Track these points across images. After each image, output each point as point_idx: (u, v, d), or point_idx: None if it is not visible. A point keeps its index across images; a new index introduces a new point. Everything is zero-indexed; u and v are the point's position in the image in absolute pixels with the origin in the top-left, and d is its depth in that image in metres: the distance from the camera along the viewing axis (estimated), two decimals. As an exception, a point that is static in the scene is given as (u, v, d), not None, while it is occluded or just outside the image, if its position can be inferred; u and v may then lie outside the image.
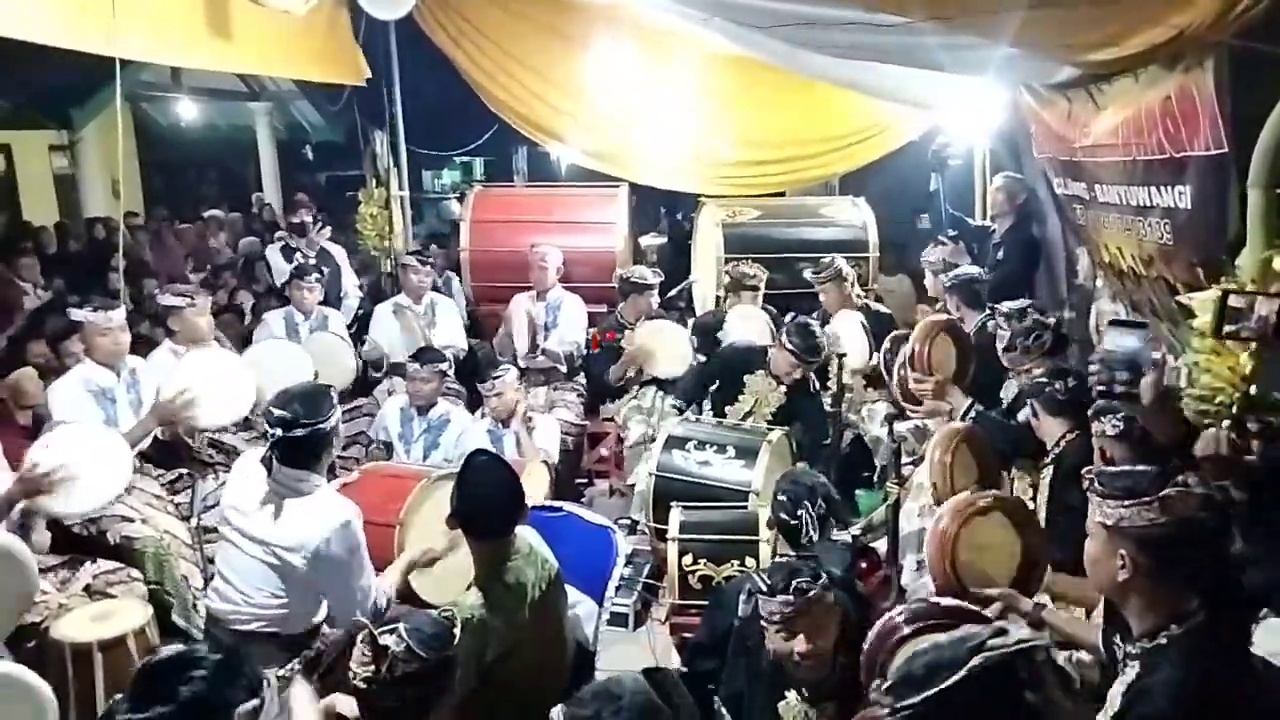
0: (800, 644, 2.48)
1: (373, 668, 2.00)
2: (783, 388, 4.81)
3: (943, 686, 1.47)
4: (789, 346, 4.68)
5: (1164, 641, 1.78)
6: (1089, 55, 3.47)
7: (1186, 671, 1.73)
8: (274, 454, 2.88)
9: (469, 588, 2.78)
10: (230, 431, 4.64)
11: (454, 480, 2.85)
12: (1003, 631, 1.55)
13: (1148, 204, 3.46)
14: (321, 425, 2.86)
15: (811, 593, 2.50)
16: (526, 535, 2.91)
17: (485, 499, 2.78)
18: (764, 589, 2.54)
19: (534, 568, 2.85)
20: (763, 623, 2.53)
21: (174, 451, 4.44)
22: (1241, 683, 1.74)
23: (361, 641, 2.05)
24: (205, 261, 9.50)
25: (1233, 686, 1.74)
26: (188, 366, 4.28)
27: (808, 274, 5.85)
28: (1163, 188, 3.32)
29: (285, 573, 2.90)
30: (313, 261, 6.58)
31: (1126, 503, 1.80)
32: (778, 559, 3.42)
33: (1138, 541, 1.79)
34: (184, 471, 4.45)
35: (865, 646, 2.26)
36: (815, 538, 3.21)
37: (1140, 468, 1.88)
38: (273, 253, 7.40)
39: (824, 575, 2.58)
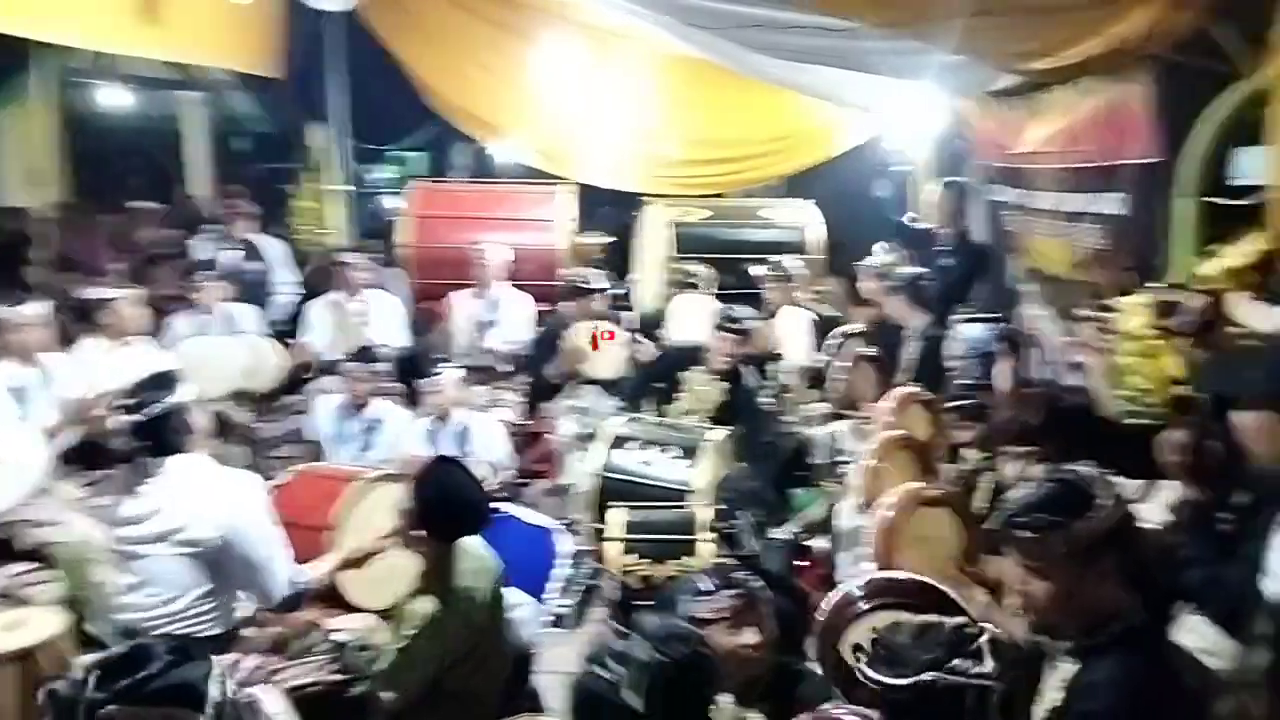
0: (751, 635, 2.48)
1: (338, 665, 1.95)
2: (723, 384, 4.83)
3: (922, 679, 1.54)
4: (715, 324, 4.81)
5: (1103, 639, 1.80)
6: (1029, 64, 3.54)
7: (1128, 668, 1.76)
8: (142, 447, 2.90)
9: (415, 594, 2.72)
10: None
11: (409, 484, 2.82)
12: (980, 657, 1.60)
13: (1081, 210, 3.54)
14: (172, 399, 2.90)
15: (752, 583, 2.53)
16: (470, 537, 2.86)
17: (456, 502, 2.79)
18: (704, 588, 2.53)
19: (481, 569, 2.82)
20: (706, 625, 2.51)
21: (98, 452, 4.26)
22: (1176, 678, 1.78)
23: (319, 646, 1.99)
24: (129, 254, 9.14)
25: (1169, 682, 1.78)
26: (113, 363, 4.11)
27: (754, 271, 5.88)
28: (1097, 194, 3.40)
29: (196, 556, 2.89)
30: (218, 257, 6.34)
31: (1031, 535, 1.82)
32: (717, 560, 3.42)
33: (1050, 564, 1.82)
34: (107, 473, 4.27)
35: (821, 618, 2.27)
36: (753, 546, 3.21)
37: (1029, 495, 1.90)
38: (201, 246, 7.17)
39: (760, 576, 2.58)
